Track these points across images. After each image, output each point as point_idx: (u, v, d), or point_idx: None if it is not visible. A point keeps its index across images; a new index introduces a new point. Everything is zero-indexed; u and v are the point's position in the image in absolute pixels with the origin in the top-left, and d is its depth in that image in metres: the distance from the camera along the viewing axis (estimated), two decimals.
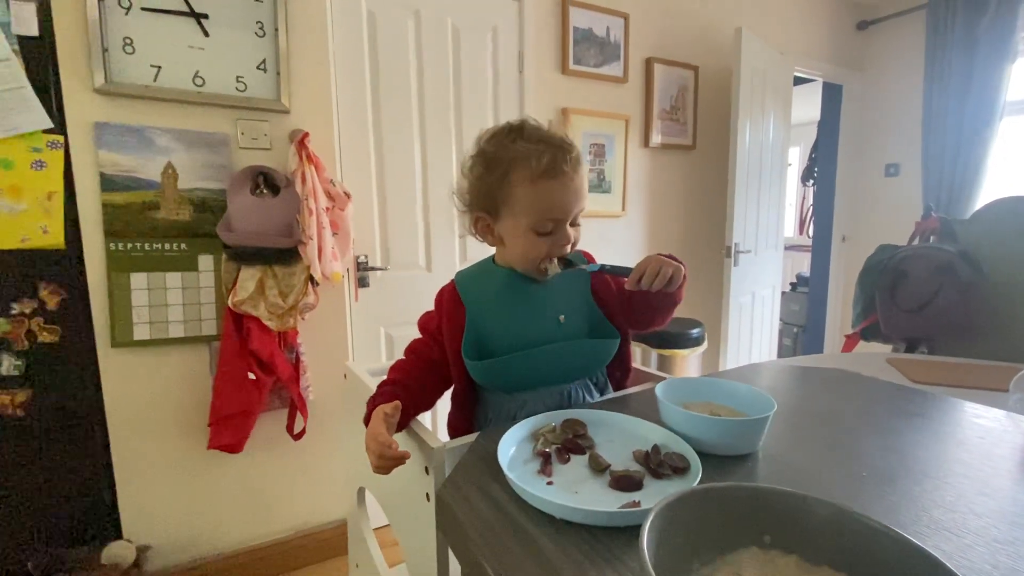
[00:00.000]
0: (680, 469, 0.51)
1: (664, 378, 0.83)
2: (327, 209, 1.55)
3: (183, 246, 1.47)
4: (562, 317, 0.78)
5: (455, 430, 0.83)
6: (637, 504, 0.46)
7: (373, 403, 0.72)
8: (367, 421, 0.68)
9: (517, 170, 0.70)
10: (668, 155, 2.53)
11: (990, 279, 1.76)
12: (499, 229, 0.77)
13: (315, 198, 1.50)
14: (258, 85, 1.52)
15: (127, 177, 1.40)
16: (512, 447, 0.57)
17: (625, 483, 0.49)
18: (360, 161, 1.76)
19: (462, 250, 1.98)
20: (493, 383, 0.78)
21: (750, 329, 2.73)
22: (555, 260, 0.74)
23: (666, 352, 2.08)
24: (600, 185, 2.31)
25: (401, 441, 0.68)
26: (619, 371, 0.87)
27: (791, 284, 4.13)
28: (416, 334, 0.86)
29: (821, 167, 3.48)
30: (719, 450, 0.57)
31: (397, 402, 0.66)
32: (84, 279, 1.38)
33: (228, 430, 1.49)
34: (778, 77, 2.71)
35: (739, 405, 0.65)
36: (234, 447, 1.51)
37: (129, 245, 1.42)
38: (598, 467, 0.52)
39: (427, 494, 0.60)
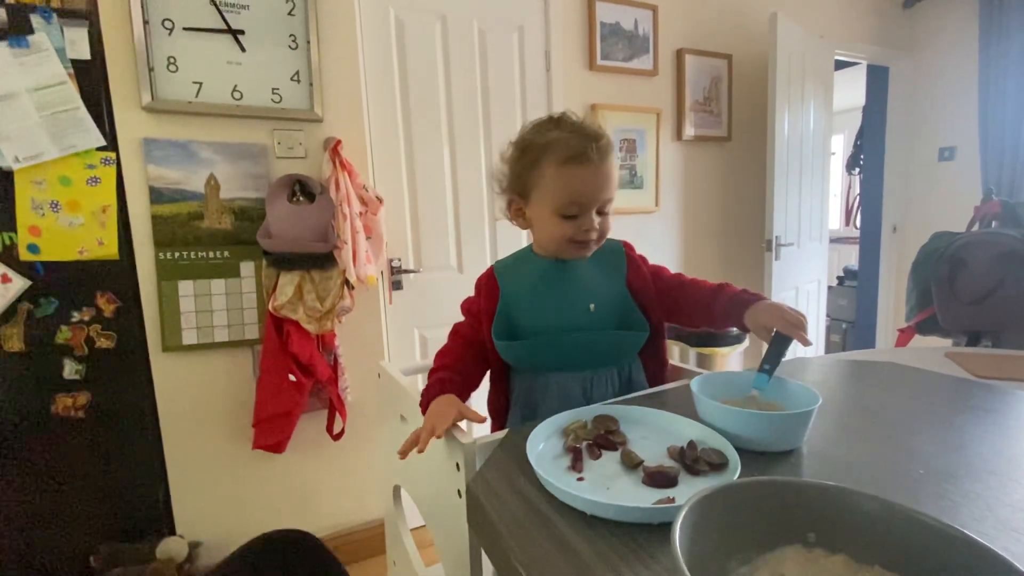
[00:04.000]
0: (717, 465, 0.49)
1: (701, 374, 0.80)
2: (360, 214, 1.58)
3: (226, 254, 1.53)
4: (592, 306, 0.80)
5: (492, 408, 0.87)
6: (671, 500, 0.44)
7: (428, 394, 0.76)
8: (424, 408, 0.73)
9: (547, 155, 0.74)
10: (702, 147, 2.46)
11: None
12: (529, 212, 0.80)
13: (349, 203, 1.53)
14: (292, 96, 1.57)
15: (173, 189, 1.47)
16: (542, 443, 0.56)
17: (659, 479, 0.47)
18: (391, 166, 1.79)
19: (492, 250, 1.98)
20: (519, 364, 0.82)
21: None
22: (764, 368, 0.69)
23: (705, 351, 2.03)
24: (632, 181, 2.27)
25: (436, 440, 0.68)
26: (653, 364, 0.87)
27: (838, 278, 3.95)
28: (457, 318, 0.90)
29: (868, 154, 3.31)
30: (759, 446, 0.54)
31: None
32: (136, 287, 1.45)
33: (271, 430, 1.54)
34: (818, 62, 2.59)
35: (781, 400, 0.62)
36: (277, 447, 1.56)
37: (176, 254, 1.48)
38: (631, 463, 0.50)
39: (459, 491, 0.60)
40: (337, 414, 1.63)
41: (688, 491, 0.47)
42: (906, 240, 3.18)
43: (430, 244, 1.88)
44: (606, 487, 0.48)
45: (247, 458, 1.58)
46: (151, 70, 1.41)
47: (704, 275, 2.67)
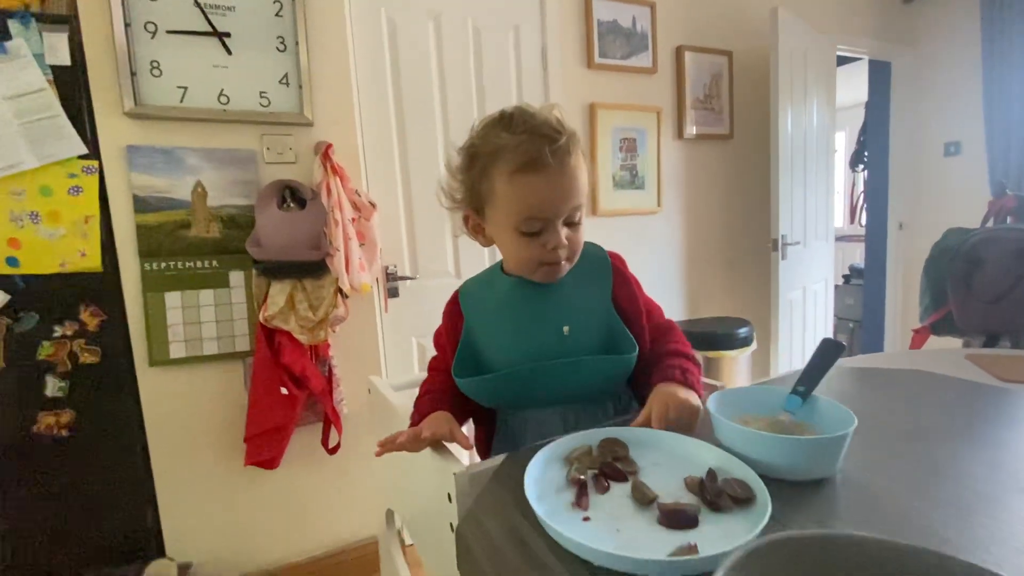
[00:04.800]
0: (742, 500, 0.43)
1: (715, 387, 0.75)
2: (353, 220, 1.53)
3: (214, 263, 1.48)
4: (566, 328, 0.69)
5: (478, 442, 0.79)
6: (694, 548, 0.38)
7: (419, 413, 0.69)
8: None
9: (497, 164, 0.63)
10: (704, 146, 2.41)
11: None
12: (488, 229, 0.71)
13: (341, 209, 1.48)
14: (281, 99, 1.52)
15: (159, 198, 1.42)
16: (542, 473, 0.50)
17: (677, 518, 0.41)
18: (385, 170, 1.74)
19: (492, 256, 1.92)
20: (485, 403, 0.73)
21: (803, 326, 2.56)
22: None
23: (712, 354, 1.97)
24: (633, 181, 2.22)
25: (424, 462, 0.63)
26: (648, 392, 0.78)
27: (843, 276, 3.89)
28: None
29: (872, 151, 3.26)
30: (787, 474, 0.48)
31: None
32: (121, 300, 1.40)
33: (264, 446, 1.48)
34: (819, 57, 2.54)
35: (809, 419, 0.56)
36: (270, 463, 1.50)
37: (163, 265, 1.43)
38: (643, 499, 0.44)
39: (451, 524, 0.54)
40: (332, 427, 1.57)
41: (711, 532, 0.41)
42: (914, 237, 3.12)
43: (426, 249, 1.82)
44: (616, 528, 0.42)
45: (239, 475, 1.52)
46: (134, 75, 1.36)
47: (710, 277, 2.60)
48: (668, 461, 0.52)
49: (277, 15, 1.49)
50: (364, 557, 1.66)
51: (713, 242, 2.48)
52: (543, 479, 0.49)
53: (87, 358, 1.37)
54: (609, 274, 0.74)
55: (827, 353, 0.58)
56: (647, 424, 0.59)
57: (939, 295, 1.73)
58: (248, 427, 1.47)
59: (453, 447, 0.62)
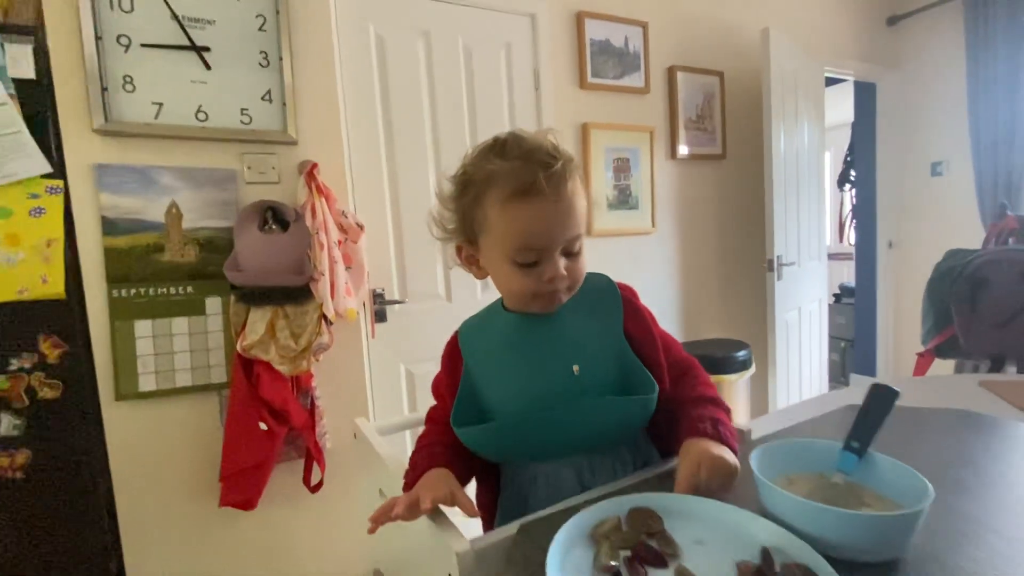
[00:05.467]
0: None
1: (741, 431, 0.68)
2: (339, 242, 1.45)
3: (189, 289, 1.39)
4: (576, 368, 0.62)
5: (480, 505, 0.70)
6: None
7: (414, 471, 0.62)
8: (408, 490, 0.59)
9: (490, 191, 0.59)
10: (697, 166, 2.39)
11: None
12: (482, 260, 0.65)
13: (326, 231, 1.41)
14: (263, 117, 1.45)
15: (129, 220, 1.33)
16: (565, 557, 0.42)
17: None
18: (373, 190, 1.67)
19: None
20: (488, 455, 0.66)
21: (799, 347, 2.51)
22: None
23: (712, 379, 1.90)
24: (627, 201, 2.17)
25: (419, 529, 0.54)
26: (672, 441, 0.68)
27: (834, 295, 3.88)
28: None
29: (859, 170, 3.28)
30: (857, 555, 0.40)
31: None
32: (86, 329, 1.30)
33: (240, 486, 1.38)
34: (809, 78, 2.55)
35: (867, 480, 0.48)
36: (247, 503, 1.39)
37: (132, 291, 1.34)
38: None
39: None
40: (315, 463, 1.47)
41: None
42: (904, 256, 3.12)
43: (416, 272, 1.75)
44: None
45: (213, 517, 1.41)
46: (104, 90, 1.28)
47: (704, 298, 2.54)
48: (711, 538, 0.44)
49: (260, 29, 1.43)
50: None
51: (707, 262, 2.44)
52: (567, 564, 0.41)
53: (47, 393, 1.26)
54: (619, 306, 0.67)
55: (882, 402, 0.51)
56: (679, 489, 0.52)
57: (942, 317, 1.70)
58: (223, 465, 1.36)
59: (453, 513, 0.54)
